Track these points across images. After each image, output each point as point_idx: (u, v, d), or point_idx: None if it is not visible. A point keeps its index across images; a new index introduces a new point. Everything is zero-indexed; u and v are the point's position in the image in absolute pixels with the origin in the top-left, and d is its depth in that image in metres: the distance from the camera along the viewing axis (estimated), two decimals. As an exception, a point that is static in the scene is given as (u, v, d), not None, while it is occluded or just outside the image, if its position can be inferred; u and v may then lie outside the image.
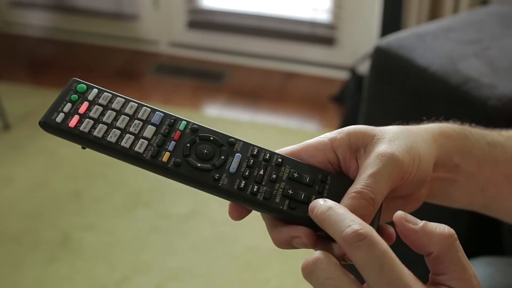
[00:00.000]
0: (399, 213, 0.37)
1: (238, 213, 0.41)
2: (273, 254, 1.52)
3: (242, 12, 2.36)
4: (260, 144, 0.43)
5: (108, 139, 0.40)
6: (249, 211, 0.41)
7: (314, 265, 0.35)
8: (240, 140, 0.43)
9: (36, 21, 2.59)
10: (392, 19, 1.92)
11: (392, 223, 0.41)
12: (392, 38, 1.03)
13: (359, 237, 0.34)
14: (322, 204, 0.38)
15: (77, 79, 0.43)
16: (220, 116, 2.10)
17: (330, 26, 2.27)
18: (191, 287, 1.45)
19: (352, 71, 1.96)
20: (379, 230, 0.40)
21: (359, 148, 0.42)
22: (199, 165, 0.41)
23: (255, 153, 0.42)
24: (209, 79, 2.31)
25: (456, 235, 0.36)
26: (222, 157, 0.41)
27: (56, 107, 0.41)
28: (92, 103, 0.42)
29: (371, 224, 0.39)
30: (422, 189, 0.46)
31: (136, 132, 0.41)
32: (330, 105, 2.15)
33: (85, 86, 0.42)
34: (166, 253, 1.54)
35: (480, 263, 0.75)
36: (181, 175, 0.40)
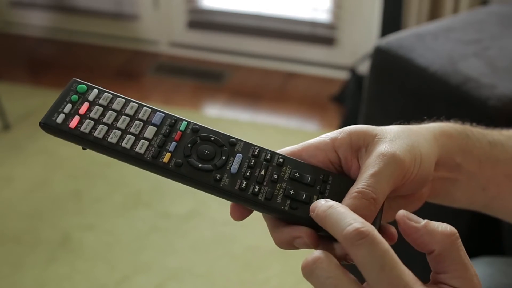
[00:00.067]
0: (402, 212, 0.37)
1: (240, 214, 0.41)
2: (273, 254, 1.52)
3: (242, 12, 2.36)
4: (260, 144, 0.43)
5: (108, 139, 0.40)
6: (251, 212, 0.41)
7: (314, 265, 0.35)
8: (241, 140, 0.43)
9: (36, 21, 2.59)
10: (392, 19, 1.92)
11: (393, 223, 0.41)
12: (392, 38, 1.03)
13: (360, 235, 0.34)
14: (323, 204, 0.38)
15: (77, 79, 0.43)
16: (220, 116, 2.10)
17: (330, 26, 2.27)
18: (191, 287, 1.45)
19: (352, 71, 1.96)
20: (381, 230, 0.40)
21: (360, 147, 0.42)
22: (200, 165, 0.40)
23: (256, 153, 0.42)
24: (209, 79, 2.31)
25: (458, 234, 0.36)
26: (223, 157, 0.41)
27: (56, 108, 0.41)
28: (92, 103, 0.41)
29: (373, 224, 0.39)
30: (424, 188, 0.46)
31: (137, 132, 0.41)
32: (330, 105, 2.15)
33: (85, 87, 0.42)
34: (166, 253, 1.54)
35: (480, 263, 0.75)
36: (182, 176, 0.40)
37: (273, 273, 1.48)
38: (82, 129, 0.40)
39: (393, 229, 0.40)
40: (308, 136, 0.45)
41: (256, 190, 0.40)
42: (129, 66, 2.41)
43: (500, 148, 0.51)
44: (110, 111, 0.41)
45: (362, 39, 2.18)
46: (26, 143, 1.92)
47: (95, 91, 0.42)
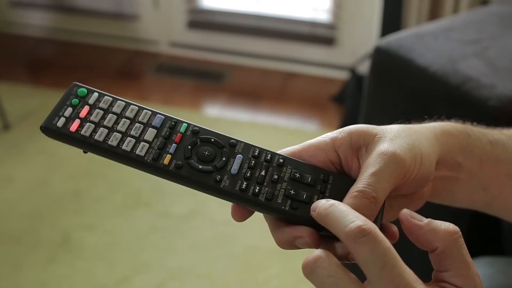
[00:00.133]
0: (405, 210, 0.38)
1: (241, 214, 0.41)
2: (273, 254, 1.52)
3: (242, 12, 2.36)
4: (260, 144, 0.43)
5: (109, 142, 0.40)
6: (252, 212, 0.41)
7: (315, 264, 0.35)
8: (241, 142, 0.43)
9: (36, 21, 2.59)
10: (392, 19, 1.92)
11: (395, 222, 0.41)
12: (392, 38, 1.03)
13: (363, 232, 0.34)
14: (324, 203, 0.38)
15: (77, 83, 0.43)
16: (220, 116, 2.10)
17: (330, 26, 2.27)
18: (191, 287, 1.45)
19: (352, 71, 1.96)
20: (382, 229, 0.40)
21: (361, 147, 0.42)
22: (200, 167, 0.41)
23: (256, 154, 0.42)
24: (209, 79, 2.31)
25: (460, 233, 0.36)
26: (224, 158, 0.41)
27: (57, 112, 0.41)
28: (92, 107, 0.42)
29: (374, 222, 0.39)
30: (425, 187, 0.46)
31: (137, 135, 0.41)
32: (330, 105, 2.15)
33: (85, 90, 0.42)
34: (166, 253, 1.54)
35: (480, 263, 0.75)
36: (183, 177, 0.40)
37: (273, 273, 1.48)
38: (82, 132, 0.40)
39: (394, 228, 0.40)
40: (308, 136, 0.45)
41: (257, 190, 0.40)
42: (129, 66, 2.41)
43: (501, 147, 0.51)
44: (110, 114, 0.42)
45: (362, 39, 2.18)
46: (26, 143, 1.92)
47: (96, 94, 0.42)
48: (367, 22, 2.15)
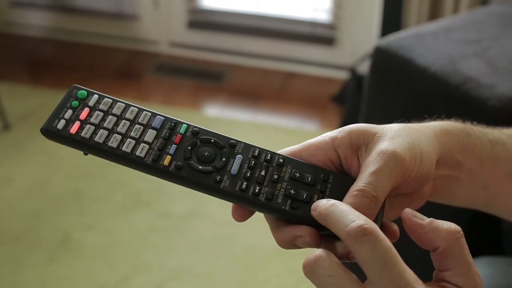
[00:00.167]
0: (407, 210, 0.38)
1: (242, 214, 0.41)
2: (273, 254, 1.52)
3: (242, 12, 2.36)
4: (260, 144, 0.43)
5: (109, 144, 0.40)
6: (253, 213, 0.41)
7: (316, 263, 0.35)
8: (241, 142, 0.43)
9: (36, 21, 2.59)
10: (392, 19, 1.92)
11: (395, 221, 0.41)
12: (392, 38, 1.03)
13: (364, 232, 0.34)
14: (325, 203, 0.38)
15: (77, 85, 0.43)
16: (220, 116, 2.10)
17: (330, 26, 2.27)
18: (191, 287, 1.45)
19: (352, 71, 1.96)
20: (383, 228, 0.40)
21: (361, 146, 0.42)
22: (200, 167, 0.41)
23: (256, 154, 0.42)
24: (209, 79, 2.31)
25: (462, 232, 0.37)
26: (223, 159, 0.41)
27: (57, 114, 0.41)
28: (92, 109, 0.42)
29: (374, 221, 0.39)
30: (425, 186, 0.46)
31: (137, 136, 0.41)
32: (330, 105, 2.15)
33: (85, 92, 0.43)
34: (166, 253, 1.54)
35: (480, 263, 0.75)
36: (183, 178, 0.40)
37: (274, 273, 1.48)
38: (82, 134, 0.41)
39: (395, 227, 0.40)
40: (308, 136, 0.45)
41: (257, 190, 0.40)
42: (129, 66, 2.41)
43: (501, 146, 0.51)
44: (110, 116, 0.42)
45: (362, 39, 2.18)
46: (26, 143, 1.92)
47: (95, 96, 0.43)
48: (367, 22, 2.15)
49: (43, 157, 1.87)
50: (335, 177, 0.42)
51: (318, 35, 2.29)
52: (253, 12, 2.34)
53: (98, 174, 1.79)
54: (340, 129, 0.43)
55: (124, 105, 0.43)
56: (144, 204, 1.69)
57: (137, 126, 0.42)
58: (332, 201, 0.38)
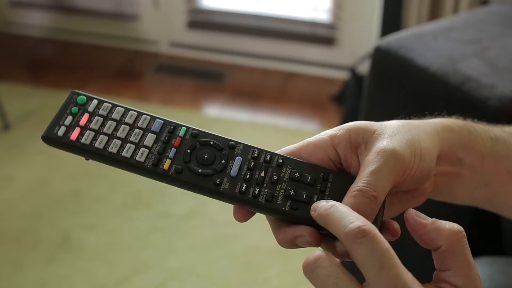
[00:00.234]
0: (410, 210, 0.38)
1: (243, 215, 0.41)
2: (273, 254, 1.52)
3: (242, 12, 2.36)
4: (260, 144, 0.43)
5: (109, 150, 0.41)
6: (254, 213, 0.41)
7: (315, 263, 0.35)
8: (240, 143, 0.43)
9: (36, 21, 2.60)
10: (392, 19, 1.92)
11: (395, 219, 0.41)
12: (392, 38, 1.03)
13: (362, 233, 0.34)
14: (324, 204, 0.38)
15: (76, 91, 0.44)
16: (220, 116, 2.10)
17: (330, 26, 2.27)
18: (191, 287, 1.45)
19: (352, 71, 1.96)
20: (384, 226, 0.40)
21: (360, 144, 0.42)
22: (200, 170, 0.41)
23: (255, 155, 0.42)
24: (209, 79, 2.31)
25: (464, 233, 0.37)
26: (223, 161, 0.41)
27: (57, 121, 0.41)
28: (92, 114, 0.42)
29: (375, 220, 0.39)
30: (426, 183, 0.46)
31: (137, 141, 0.41)
32: (330, 105, 2.15)
33: (85, 98, 0.43)
34: (166, 253, 1.54)
35: (480, 263, 0.75)
36: (183, 182, 0.40)
37: (274, 273, 1.48)
38: (83, 140, 0.41)
39: (396, 225, 0.40)
40: (308, 136, 0.44)
41: (256, 192, 0.40)
42: (129, 66, 2.41)
43: (502, 144, 0.51)
44: (110, 121, 0.42)
45: (362, 39, 2.18)
46: (26, 143, 1.92)
47: (95, 101, 0.43)
48: (367, 22, 2.15)
49: (43, 157, 1.87)
50: (334, 176, 0.42)
51: (318, 35, 2.29)
52: (253, 12, 2.34)
53: (98, 174, 1.79)
54: (339, 127, 0.43)
55: (123, 109, 0.43)
56: (144, 204, 1.69)
57: (136, 130, 0.42)
58: (332, 202, 0.38)
